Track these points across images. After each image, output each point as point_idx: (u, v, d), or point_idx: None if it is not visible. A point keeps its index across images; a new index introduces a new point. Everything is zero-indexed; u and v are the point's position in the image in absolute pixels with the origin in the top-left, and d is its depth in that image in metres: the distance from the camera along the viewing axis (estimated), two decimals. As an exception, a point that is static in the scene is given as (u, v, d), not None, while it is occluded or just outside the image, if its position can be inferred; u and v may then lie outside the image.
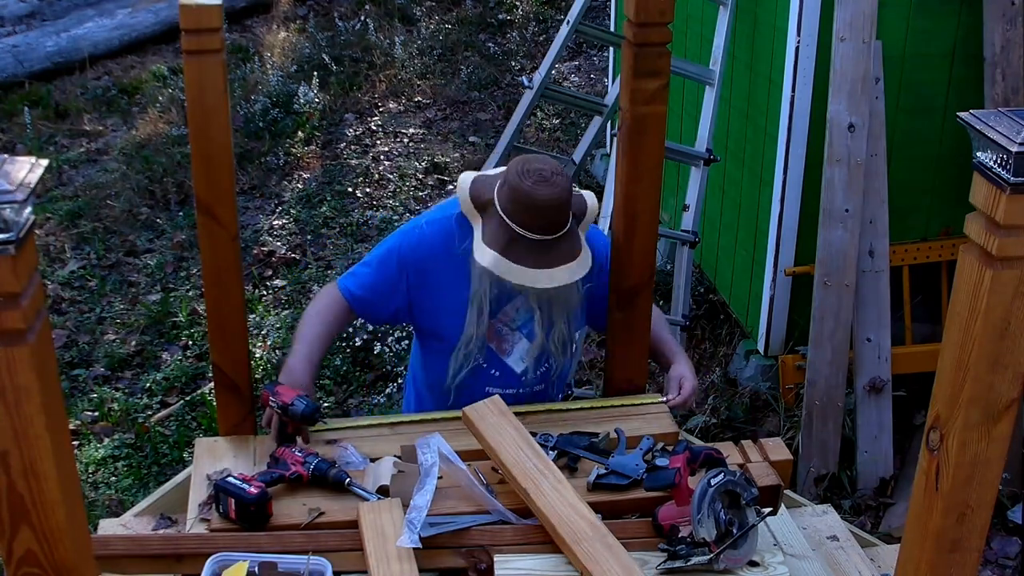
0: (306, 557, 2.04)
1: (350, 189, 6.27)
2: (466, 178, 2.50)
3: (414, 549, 2.03)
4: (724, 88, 4.36)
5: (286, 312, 5.17)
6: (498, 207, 2.39)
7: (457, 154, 6.60)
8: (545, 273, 2.38)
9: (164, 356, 4.89)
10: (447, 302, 2.54)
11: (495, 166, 4.72)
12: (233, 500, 2.16)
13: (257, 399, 2.67)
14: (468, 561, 2.09)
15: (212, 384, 2.81)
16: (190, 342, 4.97)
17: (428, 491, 2.13)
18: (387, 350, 4.80)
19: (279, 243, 5.78)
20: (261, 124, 6.80)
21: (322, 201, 6.15)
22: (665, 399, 2.61)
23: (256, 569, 2.02)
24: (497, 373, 2.62)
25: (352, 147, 6.76)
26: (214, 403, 2.66)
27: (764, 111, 4.11)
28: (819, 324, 3.76)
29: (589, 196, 2.52)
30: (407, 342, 4.85)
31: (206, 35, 2.22)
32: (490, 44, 8.00)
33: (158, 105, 7.16)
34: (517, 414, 2.40)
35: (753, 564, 2.10)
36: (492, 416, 2.34)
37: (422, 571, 2.02)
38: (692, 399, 2.67)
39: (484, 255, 2.38)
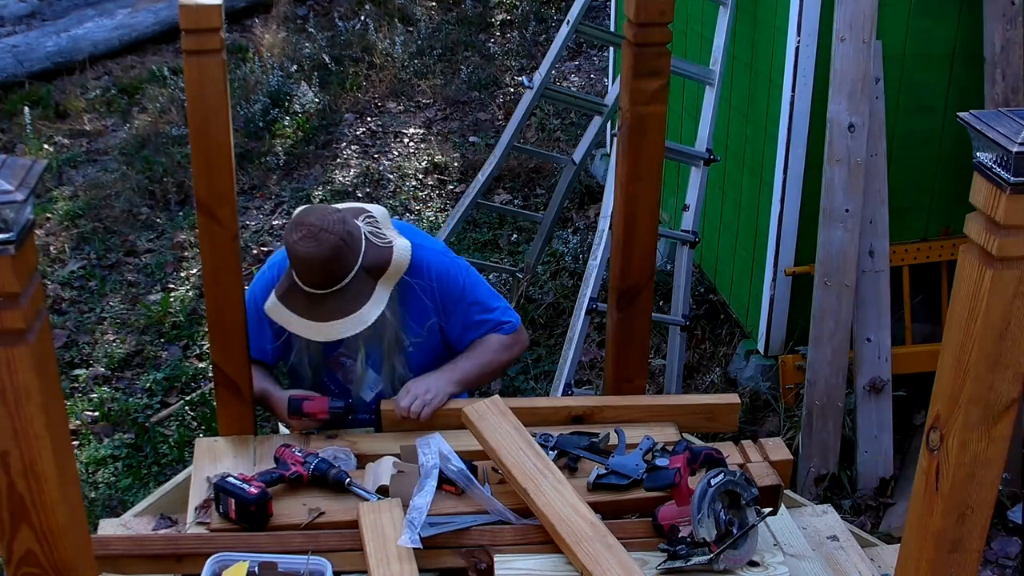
0: (306, 557, 2.04)
1: (350, 189, 6.27)
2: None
3: (414, 549, 2.03)
4: (724, 88, 4.36)
5: (286, 312, 5.17)
6: None
7: (457, 154, 6.59)
8: (315, 326, 2.42)
9: (164, 356, 4.89)
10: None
11: (495, 165, 4.72)
12: (233, 500, 2.16)
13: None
14: (468, 561, 2.09)
15: (212, 384, 2.82)
16: (190, 342, 4.97)
17: (428, 491, 2.14)
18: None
19: (279, 243, 5.78)
20: (261, 124, 6.79)
21: (322, 201, 6.15)
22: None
23: (256, 569, 2.02)
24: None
25: (352, 147, 6.76)
26: (214, 403, 2.66)
27: (764, 111, 4.11)
28: (819, 324, 3.76)
29: (399, 250, 2.44)
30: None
31: (206, 35, 2.22)
32: (490, 44, 7.99)
33: (158, 105, 7.16)
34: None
35: (753, 564, 2.11)
36: (492, 416, 2.34)
37: (422, 571, 2.02)
38: (418, 406, 2.49)
39: (269, 300, 2.46)
